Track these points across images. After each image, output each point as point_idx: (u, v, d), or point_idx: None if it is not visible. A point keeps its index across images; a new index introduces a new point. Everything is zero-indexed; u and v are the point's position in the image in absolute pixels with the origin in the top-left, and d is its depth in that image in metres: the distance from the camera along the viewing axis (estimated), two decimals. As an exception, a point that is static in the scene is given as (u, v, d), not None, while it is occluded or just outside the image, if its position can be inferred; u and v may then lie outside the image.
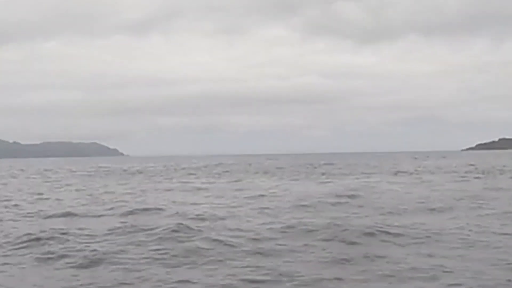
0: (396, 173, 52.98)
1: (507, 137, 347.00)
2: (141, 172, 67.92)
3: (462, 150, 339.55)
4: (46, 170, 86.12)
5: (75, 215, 21.79)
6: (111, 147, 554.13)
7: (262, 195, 29.15)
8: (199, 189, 35.77)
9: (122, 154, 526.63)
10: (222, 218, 19.81)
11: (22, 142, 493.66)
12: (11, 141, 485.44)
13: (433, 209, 21.83)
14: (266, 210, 22.18)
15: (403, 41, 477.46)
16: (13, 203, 27.55)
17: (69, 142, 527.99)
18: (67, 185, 43.12)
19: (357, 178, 45.52)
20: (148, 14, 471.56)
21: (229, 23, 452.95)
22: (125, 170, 75.27)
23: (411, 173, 52.66)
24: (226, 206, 23.96)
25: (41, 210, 23.57)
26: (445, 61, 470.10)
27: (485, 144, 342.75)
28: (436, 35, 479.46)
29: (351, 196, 27.31)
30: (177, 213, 21.54)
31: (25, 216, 21.90)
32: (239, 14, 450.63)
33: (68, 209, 23.44)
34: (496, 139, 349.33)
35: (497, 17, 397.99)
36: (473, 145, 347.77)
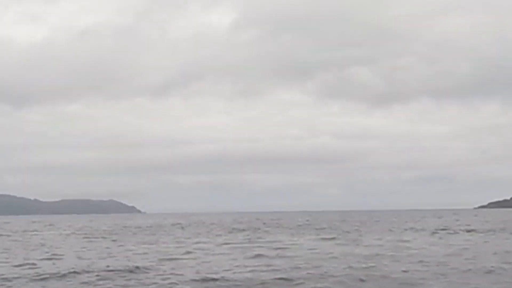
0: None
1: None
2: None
3: (475, 208, 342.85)
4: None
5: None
6: (129, 204, 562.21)
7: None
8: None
9: (139, 211, 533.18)
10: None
11: (42, 200, 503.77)
12: (32, 198, 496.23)
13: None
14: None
15: (415, 104, 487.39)
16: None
17: (88, 200, 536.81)
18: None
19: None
20: (168, 77, 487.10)
21: (246, 86, 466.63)
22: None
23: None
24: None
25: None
26: (456, 123, 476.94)
27: (497, 202, 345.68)
28: (447, 98, 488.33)
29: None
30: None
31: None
32: (256, 78, 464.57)
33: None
34: (508, 198, 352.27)
35: (506, 82, 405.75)
36: (485, 203, 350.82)
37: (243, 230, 61.64)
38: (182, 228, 70.95)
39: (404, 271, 22.50)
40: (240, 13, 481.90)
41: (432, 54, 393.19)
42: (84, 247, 37.76)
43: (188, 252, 32.48)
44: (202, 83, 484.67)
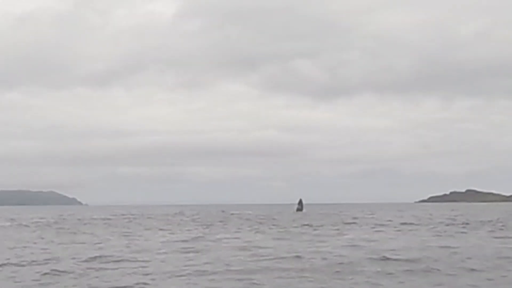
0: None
1: (457, 190, 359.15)
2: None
3: (415, 202, 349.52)
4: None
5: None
6: (70, 196, 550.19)
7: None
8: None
9: (80, 203, 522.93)
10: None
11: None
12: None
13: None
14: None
15: (358, 98, 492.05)
16: None
17: (27, 191, 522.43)
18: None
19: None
20: (111, 67, 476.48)
21: (190, 77, 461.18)
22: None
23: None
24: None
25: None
26: (398, 118, 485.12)
27: (437, 196, 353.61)
28: (390, 93, 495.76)
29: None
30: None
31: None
32: (200, 69, 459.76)
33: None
34: (448, 192, 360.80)
35: (447, 78, 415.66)
36: (426, 198, 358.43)
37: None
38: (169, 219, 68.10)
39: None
40: (185, 2, 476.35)
41: (374, 49, 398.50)
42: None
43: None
44: (145, 74, 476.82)
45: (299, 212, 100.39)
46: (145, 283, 17.12)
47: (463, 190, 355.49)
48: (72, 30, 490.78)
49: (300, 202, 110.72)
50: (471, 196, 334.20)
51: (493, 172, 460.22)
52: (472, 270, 19.71)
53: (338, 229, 44.48)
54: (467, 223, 53.54)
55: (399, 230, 42.56)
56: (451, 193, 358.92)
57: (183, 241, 32.86)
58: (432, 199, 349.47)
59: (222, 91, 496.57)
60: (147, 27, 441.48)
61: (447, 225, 51.24)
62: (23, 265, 21.61)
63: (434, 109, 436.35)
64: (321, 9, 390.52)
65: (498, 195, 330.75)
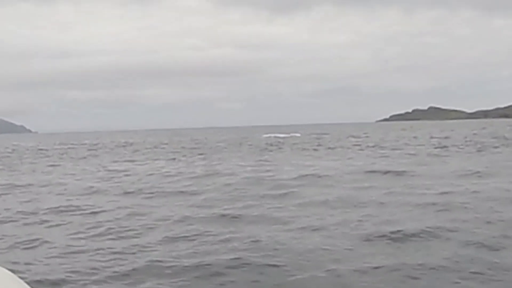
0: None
1: (420, 108, 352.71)
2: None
3: (377, 121, 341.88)
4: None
5: None
6: (17, 123, 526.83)
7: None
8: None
9: (30, 131, 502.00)
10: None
11: None
12: None
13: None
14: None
15: (317, 11, 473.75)
16: None
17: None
18: None
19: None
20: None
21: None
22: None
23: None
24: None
25: None
26: (357, 32, 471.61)
27: (399, 115, 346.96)
28: (349, 5, 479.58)
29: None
30: None
31: None
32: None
33: None
34: (410, 110, 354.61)
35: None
36: (388, 116, 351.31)
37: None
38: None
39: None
40: None
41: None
42: None
43: None
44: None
45: None
46: None
47: (426, 108, 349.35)
48: None
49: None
50: (434, 113, 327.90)
51: (454, 88, 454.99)
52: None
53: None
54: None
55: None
56: (413, 110, 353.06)
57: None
58: (394, 118, 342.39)
59: (175, 6, 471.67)
60: None
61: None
62: None
63: (394, 21, 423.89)
64: None
65: (461, 112, 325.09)
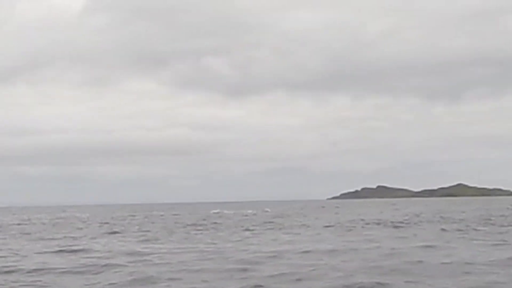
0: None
1: (368, 186, 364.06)
2: None
3: (328, 199, 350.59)
4: None
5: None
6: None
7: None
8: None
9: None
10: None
11: None
12: None
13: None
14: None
15: (269, 96, 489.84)
16: None
17: None
18: None
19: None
20: (14, 62, 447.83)
21: (97, 74, 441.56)
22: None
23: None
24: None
25: None
26: (308, 116, 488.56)
27: (348, 193, 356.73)
28: (300, 91, 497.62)
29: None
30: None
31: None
32: (108, 66, 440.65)
33: None
34: (359, 189, 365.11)
35: (355, 77, 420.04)
36: (338, 194, 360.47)
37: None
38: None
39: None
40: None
41: (284, 47, 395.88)
42: None
43: None
44: (51, 70, 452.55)
45: None
46: None
47: (374, 187, 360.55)
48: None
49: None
50: (382, 192, 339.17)
51: (400, 168, 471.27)
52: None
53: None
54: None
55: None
56: (362, 189, 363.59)
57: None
58: (344, 196, 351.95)
59: (131, 89, 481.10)
60: (53, 22, 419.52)
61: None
62: None
63: (343, 107, 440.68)
64: (229, 7, 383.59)
65: (408, 190, 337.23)
